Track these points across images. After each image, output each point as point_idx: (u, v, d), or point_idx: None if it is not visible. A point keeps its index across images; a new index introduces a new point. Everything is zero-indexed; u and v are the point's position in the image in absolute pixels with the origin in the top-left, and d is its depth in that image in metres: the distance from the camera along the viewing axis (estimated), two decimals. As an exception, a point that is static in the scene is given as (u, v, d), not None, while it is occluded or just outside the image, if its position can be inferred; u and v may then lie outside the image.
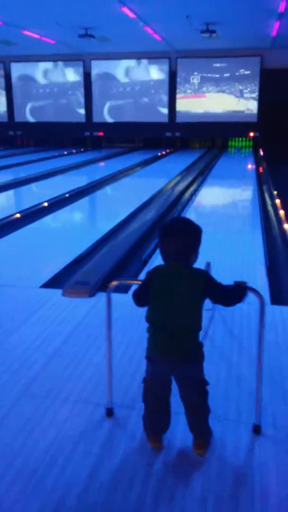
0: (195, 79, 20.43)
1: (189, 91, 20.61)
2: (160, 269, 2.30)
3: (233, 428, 2.55)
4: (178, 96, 20.72)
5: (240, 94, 20.23)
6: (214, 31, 14.78)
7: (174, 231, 2.25)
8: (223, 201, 10.40)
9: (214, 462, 2.32)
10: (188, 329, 2.26)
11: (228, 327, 3.73)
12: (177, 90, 20.68)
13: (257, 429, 2.52)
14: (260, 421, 2.53)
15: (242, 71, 19.91)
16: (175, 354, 2.24)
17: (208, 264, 3.69)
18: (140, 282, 2.37)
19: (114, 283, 2.60)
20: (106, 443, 2.45)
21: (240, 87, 20.14)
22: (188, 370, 2.27)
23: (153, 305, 2.28)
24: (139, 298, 2.34)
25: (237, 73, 19.99)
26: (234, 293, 2.30)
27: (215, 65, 20.11)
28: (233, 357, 3.27)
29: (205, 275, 2.25)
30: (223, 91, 20.37)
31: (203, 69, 20.27)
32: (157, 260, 5.49)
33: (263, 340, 2.50)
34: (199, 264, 3.62)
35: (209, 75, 20.31)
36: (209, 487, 2.17)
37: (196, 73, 20.36)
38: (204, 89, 20.48)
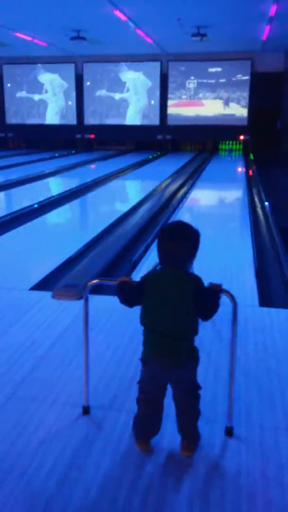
0: (191, 84, 20.47)
1: (184, 96, 20.64)
2: (155, 273, 2.32)
3: (221, 430, 2.56)
4: (172, 102, 20.76)
5: (231, 98, 20.32)
6: (205, 34, 14.85)
7: (172, 235, 2.27)
8: (213, 203, 10.44)
9: (201, 464, 2.33)
10: (182, 333, 2.26)
11: (217, 328, 3.74)
12: (172, 96, 20.71)
13: (229, 431, 2.53)
14: (232, 422, 2.54)
15: (232, 74, 20.00)
16: (168, 357, 2.25)
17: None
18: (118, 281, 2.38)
19: (93, 282, 2.61)
20: (94, 446, 2.45)
21: (230, 91, 20.23)
22: (180, 374, 2.28)
23: (147, 308, 2.28)
24: (129, 299, 2.34)
25: (227, 77, 20.09)
26: (212, 306, 2.27)
27: (205, 68, 20.18)
28: (221, 359, 3.28)
29: (195, 280, 2.26)
30: (213, 94, 20.45)
31: (193, 73, 20.34)
32: (147, 262, 5.50)
33: (236, 342, 2.52)
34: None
35: (199, 78, 20.39)
36: (196, 489, 2.18)
37: (187, 77, 20.43)
38: (197, 94, 20.54)
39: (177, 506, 2.09)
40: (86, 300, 2.63)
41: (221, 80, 20.19)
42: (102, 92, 21.26)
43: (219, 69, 20.06)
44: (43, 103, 22.00)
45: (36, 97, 21.96)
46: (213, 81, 20.27)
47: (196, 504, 2.10)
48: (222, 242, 6.57)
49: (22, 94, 22.03)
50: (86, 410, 2.70)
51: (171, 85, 20.65)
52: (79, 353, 3.35)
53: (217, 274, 5.05)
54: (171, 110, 20.89)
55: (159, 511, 2.07)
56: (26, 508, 2.08)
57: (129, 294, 2.33)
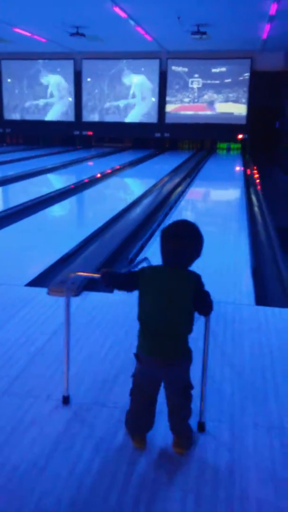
0: (194, 83, 20.44)
1: (186, 99, 20.58)
2: (153, 269, 2.31)
3: (214, 428, 2.56)
4: (174, 106, 20.73)
5: (229, 96, 20.31)
6: (204, 33, 14.83)
7: (174, 234, 2.25)
8: (211, 202, 10.44)
9: (194, 461, 2.33)
10: (177, 331, 2.26)
11: (211, 329, 3.73)
12: (173, 99, 20.69)
13: (201, 426, 2.54)
14: (204, 418, 2.55)
15: (231, 73, 19.99)
16: (162, 355, 2.25)
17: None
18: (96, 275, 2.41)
19: (73, 274, 2.68)
20: (87, 442, 2.45)
21: (229, 89, 20.22)
22: (173, 372, 2.28)
23: (144, 304, 2.28)
24: (118, 284, 2.37)
25: (227, 75, 20.07)
26: (207, 302, 2.30)
27: (206, 68, 20.16)
28: (214, 360, 3.28)
29: (196, 278, 2.26)
30: (212, 92, 20.43)
31: (193, 71, 20.31)
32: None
33: (209, 336, 2.54)
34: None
35: (199, 76, 20.36)
36: (189, 486, 2.18)
37: (188, 78, 20.40)
38: (201, 96, 20.52)
39: (170, 502, 2.09)
40: (68, 292, 2.70)
41: (218, 78, 20.16)
42: (100, 89, 21.21)
43: (223, 69, 20.01)
44: (41, 99, 21.93)
45: (34, 93, 21.90)
46: (210, 78, 20.23)
47: (189, 501, 2.10)
48: (219, 241, 6.57)
49: (20, 90, 21.97)
50: (66, 400, 2.74)
51: (172, 88, 20.60)
52: (73, 349, 3.35)
53: (213, 272, 5.05)
54: (170, 109, 20.86)
55: (151, 507, 2.07)
56: (19, 503, 2.08)
57: (118, 281, 2.35)
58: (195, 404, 2.46)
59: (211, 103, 20.57)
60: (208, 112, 20.66)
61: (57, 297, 4.26)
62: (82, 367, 3.11)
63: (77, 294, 4.31)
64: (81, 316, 3.90)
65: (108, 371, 3.10)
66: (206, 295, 2.28)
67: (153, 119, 21.10)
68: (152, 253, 4.25)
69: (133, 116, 21.25)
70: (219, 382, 2.97)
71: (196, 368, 3.10)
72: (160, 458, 2.35)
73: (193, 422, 2.51)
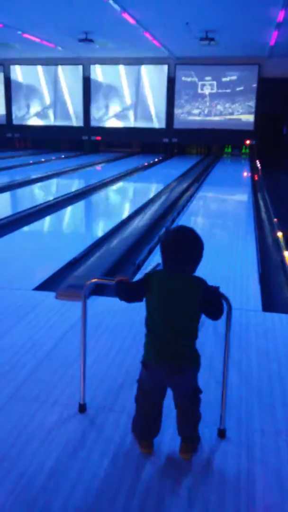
0: (204, 89, 20.48)
1: (194, 105, 20.60)
2: (159, 275, 2.28)
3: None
4: (182, 111, 20.78)
5: (237, 102, 20.32)
6: (212, 39, 14.87)
7: (175, 240, 2.23)
8: (218, 207, 10.43)
9: (201, 467, 2.32)
10: (186, 339, 2.26)
11: (219, 333, 3.73)
12: (181, 104, 20.74)
13: (221, 433, 2.54)
14: (225, 425, 2.55)
15: (239, 79, 20.00)
16: (170, 362, 2.25)
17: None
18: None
19: (92, 281, 2.65)
20: (94, 447, 2.45)
21: (237, 95, 20.23)
22: (182, 378, 2.28)
23: (151, 311, 2.28)
24: (129, 295, 2.35)
25: (234, 81, 20.09)
26: (218, 306, 2.30)
27: (212, 72, 20.19)
28: (222, 365, 3.27)
29: (203, 283, 2.26)
30: (220, 98, 20.45)
31: (201, 77, 20.35)
32: (150, 265, 5.50)
33: (229, 346, 2.53)
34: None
35: (206, 82, 20.39)
36: (196, 492, 2.17)
37: (195, 81, 20.45)
38: (211, 106, 20.55)
39: (176, 508, 2.09)
40: (85, 299, 2.67)
41: (227, 84, 20.18)
42: (109, 94, 21.29)
43: (231, 75, 20.03)
44: (50, 104, 22.05)
45: (43, 98, 22.03)
46: (225, 87, 20.25)
47: (196, 507, 2.09)
48: (226, 246, 6.57)
49: (29, 95, 22.11)
50: (82, 408, 2.72)
51: (180, 93, 20.64)
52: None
53: (220, 278, 5.05)
54: (178, 114, 20.90)
55: (158, 514, 2.06)
56: (26, 508, 2.08)
57: (129, 292, 2.34)
58: (209, 411, 2.45)
59: (218, 109, 20.58)
60: (216, 118, 20.67)
61: (65, 302, 4.27)
62: (89, 372, 3.10)
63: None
64: (89, 320, 3.90)
65: (115, 376, 3.10)
66: (217, 300, 2.28)
67: (161, 124, 21.14)
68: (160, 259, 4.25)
69: (141, 122, 21.30)
70: (226, 388, 2.96)
71: (205, 373, 3.10)
72: (167, 463, 2.35)
73: (212, 429, 2.51)
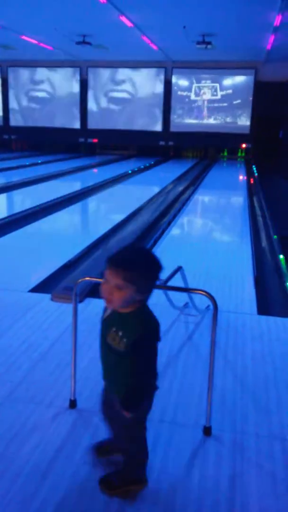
0: (199, 93, 20.56)
1: (192, 113, 20.68)
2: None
3: (216, 437, 2.56)
4: (178, 115, 20.85)
5: (233, 106, 20.40)
6: (209, 43, 14.93)
7: (114, 262, 1.89)
8: (214, 210, 10.46)
9: (195, 471, 2.33)
10: (117, 382, 2.04)
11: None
12: (177, 107, 20.82)
13: (207, 431, 2.55)
14: (210, 423, 2.57)
15: (236, 83, 20.09)
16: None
17: (179, 268, 3.71)
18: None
19: (82, 279, 2.69)
20: (89, 450, 2.45)
21: (233, 99, 20.31)
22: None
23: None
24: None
25: (231, 85, 20.18)
26: (139, 390, 1.97)
27: (209, 76, 20.28)
28: (217, 368, 3.28)
29: (141, 330, 1.91)
30: (216, 102, 20.52)
31: (198, 80, 20.42)
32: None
33: (215, 344, 2.52)
34: (171, 267, 3.64)
35: (203, 85, 20.47)
36: (190, 497, 2.18)
37: (191, 85, 20.52)
38: (200, 102, 20.63)
39: (171, 511, 2.09)
40: (76, 297, 2.71)
41: (223, 87, 20.27)
42: (106, 97, 21.33)
43: (227, 79, 20.14)
44: (47, 106, 22.08)
45: (40, 100, 22.04)
46: (221, 91, 20.33)
47: (190, 510, 2.10)
48: (222, 250, 6.59)
49: (26, 96, 22.12)
50: (73, 404, 2.76)
51: (176, 96, 20.71)
52: (77, 355, 3.35)
53: (216, 281, 5.07)
54: (174, 117, 20.97)
55: (152, 516, 2.07)
56: (21, 508, 2.08)
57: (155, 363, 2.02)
58: (202, 409, 2.46)
59: (214, 112, 20.65)
60: (212, 121, 20.74)
61: (60, 304, 4.28)
62: (84, 374, 3.11)
63: (81, 300, 4.33)
64: (84, 322, 3.91)
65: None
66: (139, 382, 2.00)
67: (158, 127, 21.20)
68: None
69: (138, 124, 21.34)
70: (221, 391, 2.97)
71: (201, 375, 3.12)
72: (162, 467, 2.36)
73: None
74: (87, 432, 2.58)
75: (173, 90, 20.67)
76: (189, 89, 20.64)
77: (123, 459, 2.20)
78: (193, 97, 20.65)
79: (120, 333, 1.92)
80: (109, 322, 2.01)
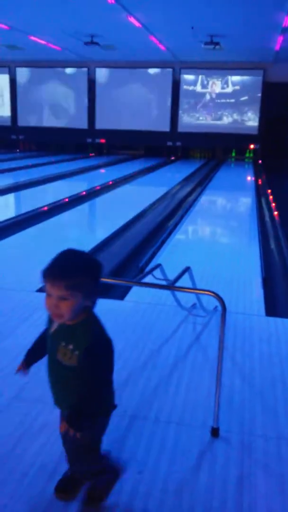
0: (207, 94, 20.56)
1: (200, 114, 20.68)
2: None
3: (223, 438, 2.55)
4: (186, 115, 20.85)
5: (241, 106, 20.37)
6: (218, 43, 14.91)
7: (51, 274, 1.80)
8: (222, 211, 10.45)
9: (202, 472, 2.32)
10: (70, 400, 1.88)
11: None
12: (185, 107, 20.81)
13: (214, 432, 2.54)
14: (218, 424, 2.55)
15: (244, 83, 20.06)
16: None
17: (187, 269, 3.69)
18: (122, 281, 2.38)
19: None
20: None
21: (242, 100, 20.28)
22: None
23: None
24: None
25: (239, 86, 20.15)
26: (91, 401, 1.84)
27: (217, 77, 20.26)
28: (224, 369, 3.27)
29: (90, 339, 1.79)
30: (224, 102, 20.50)
31: (205, 81, 20.42)
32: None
33: (223, 347, 2.54)
34: (179, 268, 3.61)
35: (211, 86, 20.45)
36: (197, 497, 2.17)
37: (199, 85, 20.51)
38: (215, 112, 20.62)
39: (178, 512, 2.09)
40: None
41: (231, 88, 20.24)
42: (114, 97, 21.36)
43: (235, 79, 20.11)
44: (54, 107, 22.14)
45: (48, 100, 22.11)
46: (229, 91, 20.31)
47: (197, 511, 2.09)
48: (229, 251, 6.57)
49: (34, 97, 22.19)
50: None
51: (184, 97, 20.72)
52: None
53: (224, 282, 5.05)
54: (182, 118, 20.97)
55: (160, 517, 2.06)
56: (27, 509, 2.08)
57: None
58: (210, 410, 2.45)
59: (222, 113, 20.63)
60: (220, 122, 20.72)
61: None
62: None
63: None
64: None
65: (116, 378, 3.10)
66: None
67: (166, 127, 21.20)
68: (163, 261, 4.26)
69: (145, 125, 21.35)
70: (228, 392, 2.96)
71: (208, 376, 3.11)
72: (169, 468, 2.35)
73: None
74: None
75: (181, 90, 20.66)
76: (196, 89, 20.63)
77: (91, 483, 2.10)
78: (199, 89, 20.60)
79: (71, 346, 1.79)
80: (56, 337, 1.85)
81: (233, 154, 21.80)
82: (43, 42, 16.59)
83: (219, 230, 8.15)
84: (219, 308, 2.44)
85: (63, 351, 1.82)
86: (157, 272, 3.79)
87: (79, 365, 1.78)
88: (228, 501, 2.15)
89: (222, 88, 20.38)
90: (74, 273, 1.74)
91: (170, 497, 2.16)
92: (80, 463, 2.04)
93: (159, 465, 2.34)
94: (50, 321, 1.92)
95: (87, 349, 1.76)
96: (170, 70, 20.47)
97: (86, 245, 6.44)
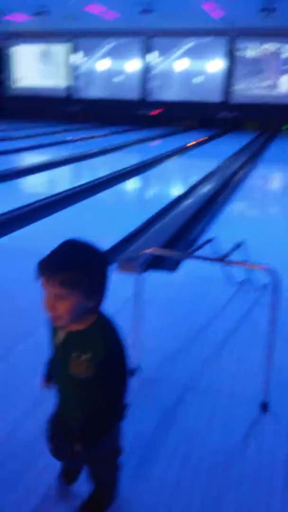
0: (262, 62, 19.92)
1: (255, 84, 20.10)
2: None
3: (272, 415, 2.56)
4: (242, 86, 20.31)
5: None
6: (274, 9, 14.41)
7: (45, 267, 1.48)
8: (275, 185, 10.21)
9: (252, 446, 2.35)
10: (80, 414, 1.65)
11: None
12: (241, 77, 20.27)
13: (264, 407, 2.53)
14: (268, 399, 2.55)
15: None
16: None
17: (240, 243, 3.63)
18: (174, 254, 2.37)
19: (146, 251, 2.68)
20: (152, 412, 2.50)
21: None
22: None
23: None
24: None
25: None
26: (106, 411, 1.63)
27: (273, 44, 19.53)
28: (276, 344, 3.25)
29: (105, 348, 1.55)
30: (280, 71, 19.81)
31: (262, 49, 19.73)
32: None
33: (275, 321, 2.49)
34: (229, 243, 3.58)
35: (265, 55, 19.77)
36: (245, 470, 2.20)
37: (254, 54, 19.88)
38: (263, 72, 19.97)
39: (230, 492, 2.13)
40: (141, 268, 2.75)
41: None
42: (168, 68, 21.04)
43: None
44: (110, 78, 22.07)
45: (103, 72, 22.04)
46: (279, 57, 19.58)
47: (244, 488, 2.13)
48: (283, 226, 6.44)
49: (90, 68, 22.17)
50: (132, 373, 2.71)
51: (240, 66, 20.15)
52: (137, 326, 3.42)
53: (278, 259, 4.97)
54: (237, 88, 20.43)
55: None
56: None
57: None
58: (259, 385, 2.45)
59: (279, 83, 19.95)
60: (275, 93, 20.05)
61: (119, 275, 4.34)
62: (140, 344, 3.17)
63: (144, 271, 4.37)
64: (143, 293, 3.96)
65: (168, 348, 3.16)
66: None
67: (220, 98, 20.74)
68: (215, 235, 4.24)
69: (199, 95, 20.96)
70: (278, 369, 2.95)
71: (259, 352, 3.11)
72: (219, 437, 2.38)
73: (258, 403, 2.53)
74: (148, 397, 2.64)
75: (236, 59, 20.09)
76: (252, 57, 20.01)
77: (93, 487, 1.88)
78: (257, 65, 19.98)
79: (85, 356, 1.54)
80: (65, 348, 1.60)
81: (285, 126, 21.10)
82: (100, 9, 16.46)
83: (273, 204, 7.97)
84: (272, 283, 2.42)
85: (76, 364, 1.56)
86: (209, 246, 3.78)
87: (95, 376, 1.56)
88: (276, 476, 2.17)
89: (279, 56, 19.65)
90: (72, 268, 1.48)
91: (219, 469, 2.20)
92: (106, 472, 1.84)
93: (209, 436, 2.39)
94: (54, 329, 1.65)
95: (105, 357, 1.54)
96: (225, 38, 19.88)
97: (139, 217, 6.47)
